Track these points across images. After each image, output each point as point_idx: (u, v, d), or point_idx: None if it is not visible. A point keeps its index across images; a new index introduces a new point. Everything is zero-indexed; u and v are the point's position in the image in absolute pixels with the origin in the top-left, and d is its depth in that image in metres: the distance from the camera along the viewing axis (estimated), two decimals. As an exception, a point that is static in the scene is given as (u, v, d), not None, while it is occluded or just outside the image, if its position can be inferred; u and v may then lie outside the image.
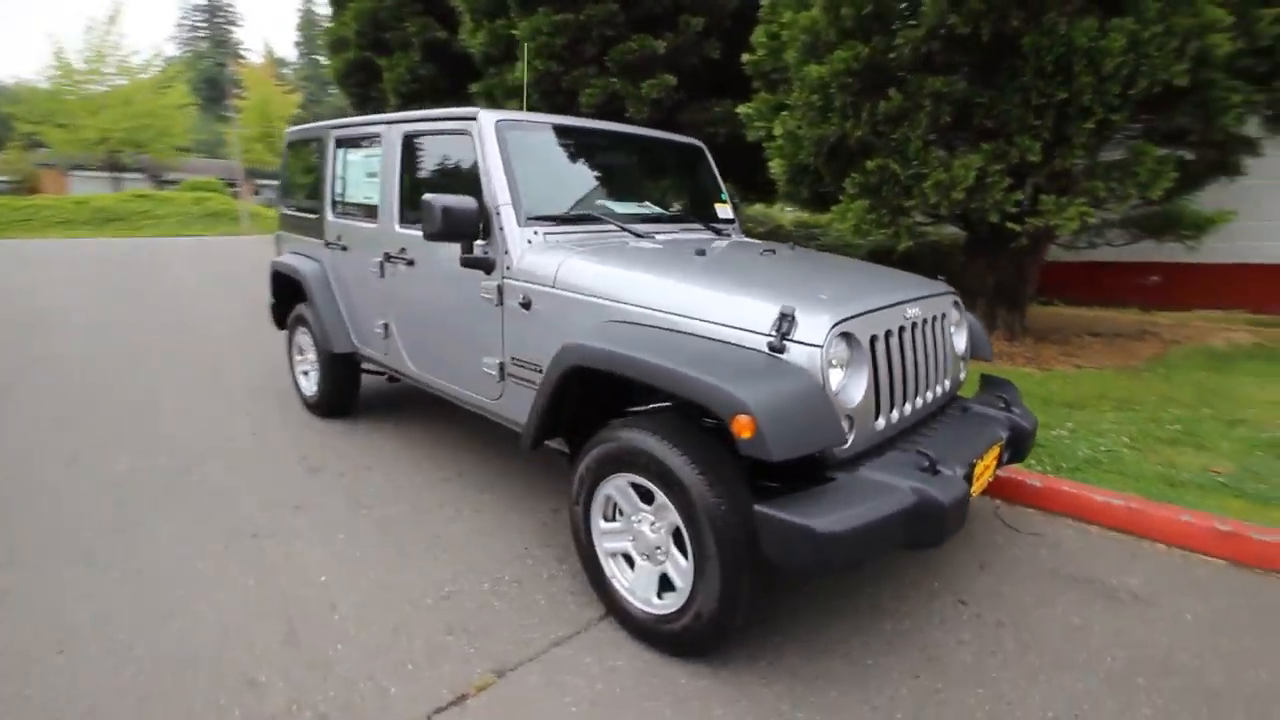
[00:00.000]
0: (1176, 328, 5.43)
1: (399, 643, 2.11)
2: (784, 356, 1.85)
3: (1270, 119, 3.90)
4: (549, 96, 6.76)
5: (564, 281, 2.38)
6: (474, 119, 2.71)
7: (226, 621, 2.20)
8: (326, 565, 2.54)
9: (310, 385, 4.18)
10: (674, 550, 2.00)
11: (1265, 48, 3.57)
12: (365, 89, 9.59)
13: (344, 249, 3.62)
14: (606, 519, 2.20)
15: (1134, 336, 5.18)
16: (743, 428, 1.66)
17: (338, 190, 3.70)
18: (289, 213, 4.30)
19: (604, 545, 2.20)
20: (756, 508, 1.68)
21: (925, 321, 2.30)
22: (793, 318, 1.86)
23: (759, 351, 1.89)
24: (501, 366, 2.68)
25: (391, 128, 3.20)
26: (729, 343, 1.94)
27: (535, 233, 2.59)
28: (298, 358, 4.30)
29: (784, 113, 4.86)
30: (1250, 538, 2.49)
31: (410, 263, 3.08)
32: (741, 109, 5.69)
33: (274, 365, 5.32)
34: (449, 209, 2.48)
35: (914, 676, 1.97)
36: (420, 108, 8.86)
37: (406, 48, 9.08)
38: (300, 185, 4.23)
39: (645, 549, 2.07)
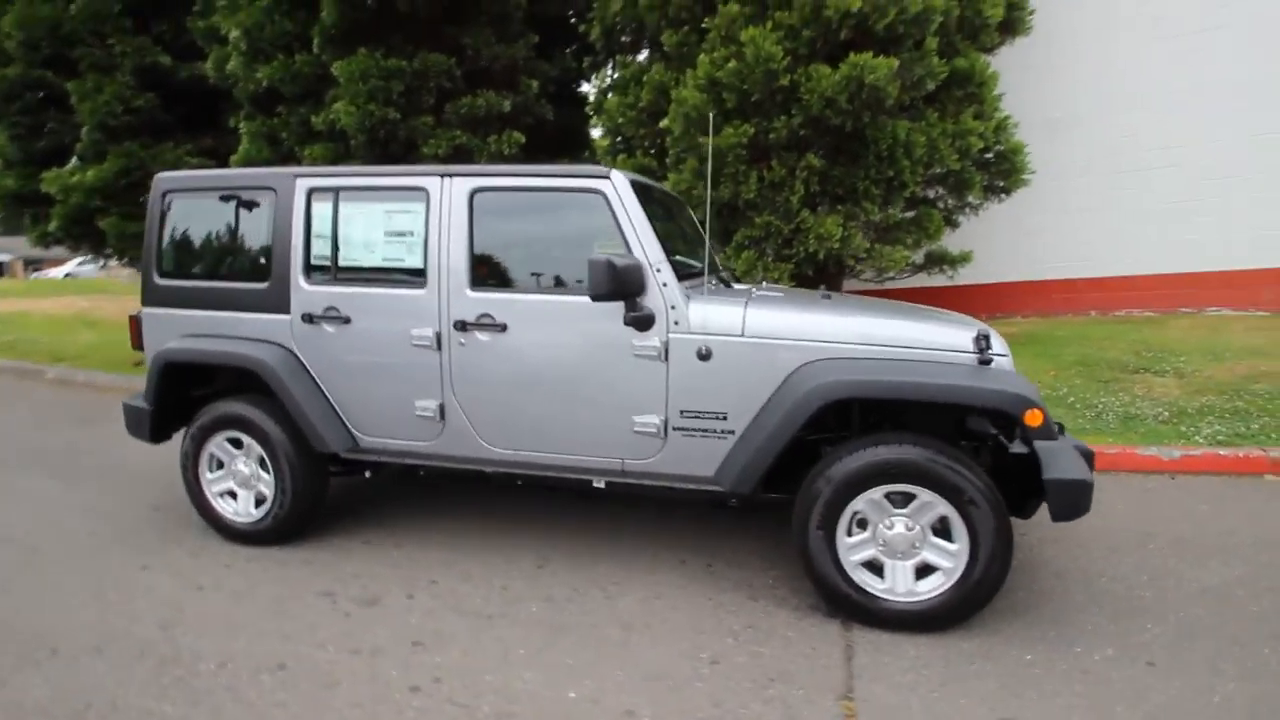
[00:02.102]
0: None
1: (739, 713, 2.02)
2: (990, 366, 2.44)
3: (986, 190, 6.02)
4: (383, 145, 6.15)
5: (755, 330, 2.56)
6: (607, 178, 2.67)
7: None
8: (552, 683, 2.18)
9: (244, 507, 3.18)
10: (934, 539, 2.38)
11: (984, 147, 5.57)
12: (35, 116, 7.03)
13: (345, 321, 2.95)
14: (848, 535, 2.45)
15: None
16: (1034, 419, 2.20)
17: (319, 251, 3.00)
18: (181, 284, 3.22)
19: (849, 559, 2.45)
20: (1047, 477, 2.21)
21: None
22: (989, 337, 2.47)
23: (971, 366, 2.44)
24: (664, 423, 2.65)
25: (449, 181, 2.82)
26: (944, 362, 2.45)
27: (685, 288, 2.68)
28: (210, 475, 3.21)
29: (672, 174, 5.48)
30: (1102, 453, 3.95)
31: (502, 328, 2.76)
32: (603, 169, 6.12)
33: (83, 500, 3.78)
34: (619, 268, 2.45)
35: (1089, 587, 2.70)
36: (141, 143, 7.09)
37: (109, 70, 7.04)
38: (211, 249, 3.22)
39: (901, 549, 2.40)
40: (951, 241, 6.47)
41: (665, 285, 2.61)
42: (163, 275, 3.26)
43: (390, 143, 6.20)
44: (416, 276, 2.88)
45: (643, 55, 6.78)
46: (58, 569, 3.00)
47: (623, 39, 6.51)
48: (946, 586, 2.36)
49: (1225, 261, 6.99)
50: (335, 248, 2.98)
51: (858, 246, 5.24)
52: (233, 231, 3.19)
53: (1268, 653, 2.22)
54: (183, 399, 3.34)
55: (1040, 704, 2.03)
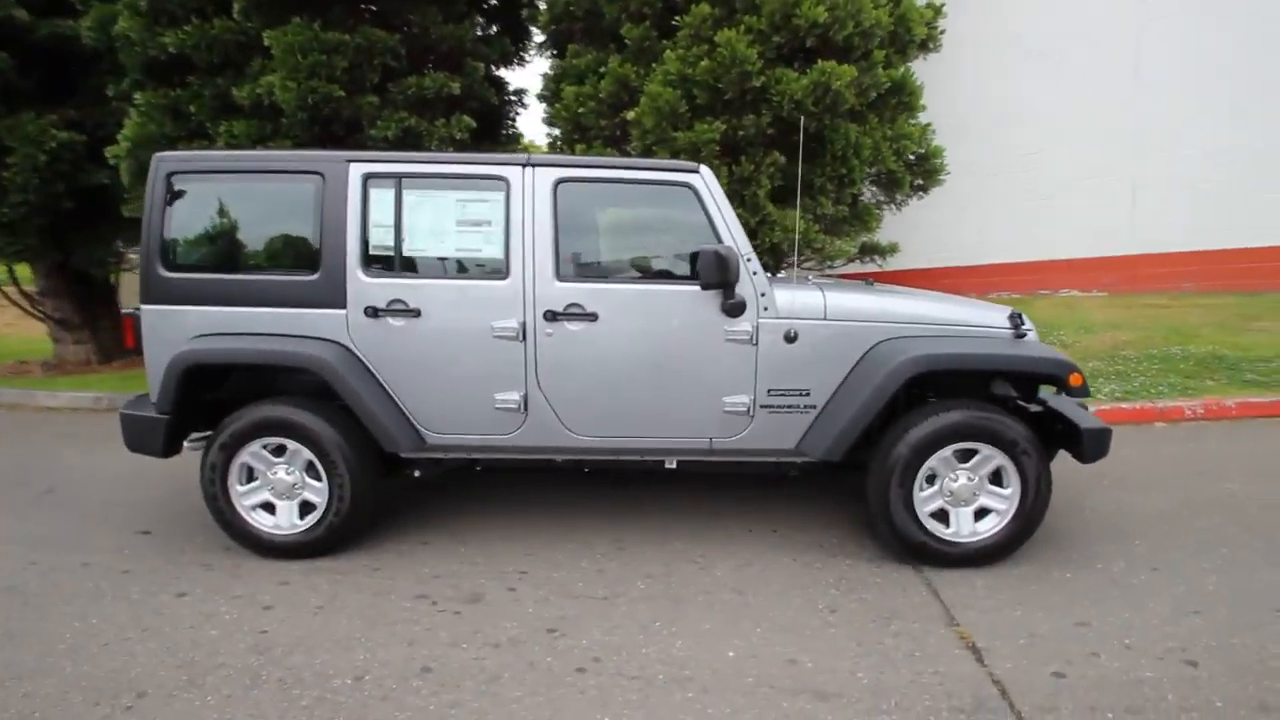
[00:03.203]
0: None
1: (878, 648, 2.30)
2: (1024, 339, 2.91)
3: (912, 188, 6.77)
4: (324, 124, 5.65)
5: (835, 313, 2.84)
6: (696, 172, 2.80)
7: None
8: (705, 647, 2.33)
9: (287, 519, 2.94)
10: (990, 486, 2.81)
11: (914, 150, 6.29)
12: None
13: (414, 314, 2.82)
14: (921, 490, 2.82)
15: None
16: (1077, 380, 2.68)
17: (379, 241, 2.82)
18: (195, 278, 2.87)
19: (923, 511, 2.81)
20: (1085, 427, 2.71)
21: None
22: (1021, 316, 2.94)
23: (1010, 339, 2.89)
24: (753, 402, 2.86)
25: (531, 171, 2.79)
26: (991, 338, 2.88)
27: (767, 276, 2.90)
28: (242, 487, 2.92)
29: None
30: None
31: (593, 318, 2.80)
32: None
33: (43, 531, 3.32)
34: (726, 259, 2.63)
35: (1079, 519, 3.28)
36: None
37: (-57, 22, 5.78)
38: (235, 239, 2.89)
39: (964, 497, 2.81)
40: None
41: (755, 274, 2.81)
42: (170, 268, 2.88)
43: (332, 122, 5.72)
44: (496, 267, 2.83)
45: (579, 44, 6.78)
46: (72, 609, 2.60)
47: (575, 27, 6.48)
48: (1002, 525, 2.81)
49: (1074, 251, 8.44)
50: (399, 238, 2.84)
51: (814, 238, 5.74)
52: (264, 220, 2.92)
53: (1227, 551, 2.90)
54: (191, 406, 2.99)
55: (1098, 608, 2.51)
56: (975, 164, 8.52)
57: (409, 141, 5.93)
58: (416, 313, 2.83)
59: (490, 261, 2.84)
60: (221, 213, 2.91)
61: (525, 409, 2.88)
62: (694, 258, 2.93)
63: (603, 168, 2.86)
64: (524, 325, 2.82)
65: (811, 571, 2.85)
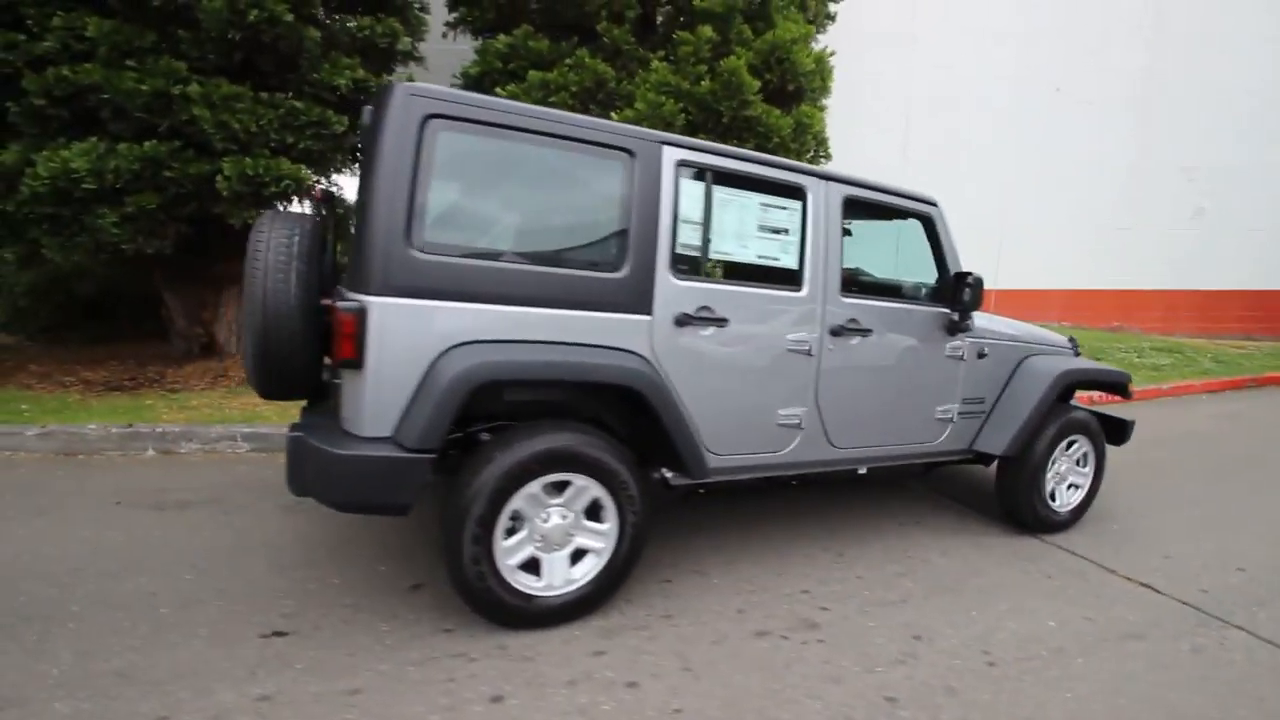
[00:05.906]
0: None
1: (1077, 586, 2.96)
2: (1079, 355, 3.95)
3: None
4: (250, 52, 4.16)
5: (1004, 335, 3.46)
6: (935, 205, 3.11)
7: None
8: (1022, 619, 2.69)
9: (559, 575, 2.38)
10: (1077, 468, 3.74)
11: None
12: None
13: (722, 323, 2.53)
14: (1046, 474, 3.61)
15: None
16: (1130, 387, 3.76)
17: (686, 239, 2.46)
18: (466, 265, 2.09)
19: (1046, 490, 3.60)
20: (1128, 420, 3.80)
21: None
22: (1074, 339, 3.97)
23: (1073, 355, 3.89)
24: (955, 409, 3.30)
25: (825, 185, 2.76)
26: (1068, 354, 3.83)
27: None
28: (507, 542, 2.25)
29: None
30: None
31: (865, 333, 2.90)
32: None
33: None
34: (982, 286, 3.06)
35: None
36: None
37: None
38: (516, 217, 2.16)
39: (1066, 477, 3.68)
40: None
41: (968, 300, 3.26)
42: (428, 250, 2.07)
43: (261, 53, 4.28)
44: (789, 277, 2.73)
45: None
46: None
47: (531, 8, 5.97)
48: (1082, 496, 3.76)
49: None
50: (707, 237, 2.53)
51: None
52: (556, 197, 2.29)
53: (1171, 503, 4.34)
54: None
55: (1160, 545, 3.56)
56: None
57: (362, 98, 4.78)
58: (723, 321, 2.56)
59: (784, 271, 2.73)
60: (507, 181, 2.20)
61: (801, 425, 2.83)
62: (910, 286, 3.27)
63: (871, 189, 2.98)
64: (815, 339, 2.78)
65: (989, 551, 3.40)
